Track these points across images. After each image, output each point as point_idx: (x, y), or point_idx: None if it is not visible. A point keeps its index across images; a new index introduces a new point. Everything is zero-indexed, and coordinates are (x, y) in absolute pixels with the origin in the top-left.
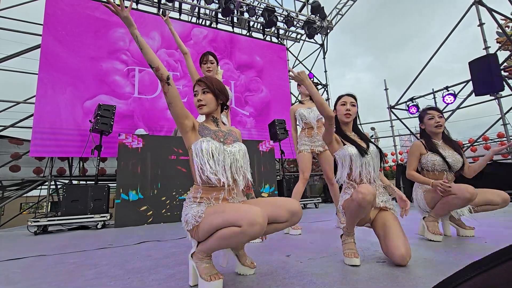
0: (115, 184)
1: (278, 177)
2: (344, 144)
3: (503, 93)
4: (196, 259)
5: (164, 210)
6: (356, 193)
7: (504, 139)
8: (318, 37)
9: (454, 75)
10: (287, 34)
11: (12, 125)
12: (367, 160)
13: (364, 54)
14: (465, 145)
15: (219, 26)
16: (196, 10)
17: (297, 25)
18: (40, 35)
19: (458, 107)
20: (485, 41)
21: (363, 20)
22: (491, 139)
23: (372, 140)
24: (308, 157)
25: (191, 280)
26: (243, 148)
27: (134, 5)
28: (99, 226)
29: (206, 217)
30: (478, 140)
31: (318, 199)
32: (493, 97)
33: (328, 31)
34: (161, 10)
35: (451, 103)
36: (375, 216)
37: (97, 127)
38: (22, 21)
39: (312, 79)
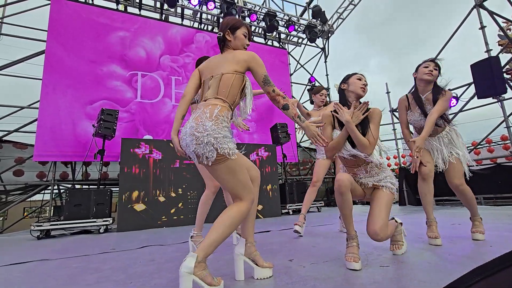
0: (117, 189)
1: (280, 180)
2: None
3: (505, 96)
4: (199, 270)
5: (166, 214)
6: (334, 182)
7: (508, 141)
8: (319, 41)
9: (456, 78)
10: (288, 38)
11: (16, 130)
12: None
13: (377, 55)
14: (468, 148)
15: None
16: (198, 15)
17: (299, 29)
18: (44, 41)
19: (460, 110)
20: (486, 44)
21: (378, 20)
22: (494, 142)
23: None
24: (324, 163)
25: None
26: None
27: (137, 11)
28: (101, 231)
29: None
30: (481, 143)
31: (320, 203)
32: (495, 100)
33: (329, 35)
34: (164, 15)
35: (454, 106)
36: (371, 194)
37: (100, 132)
38: (27, 27)
39: (313, 83)
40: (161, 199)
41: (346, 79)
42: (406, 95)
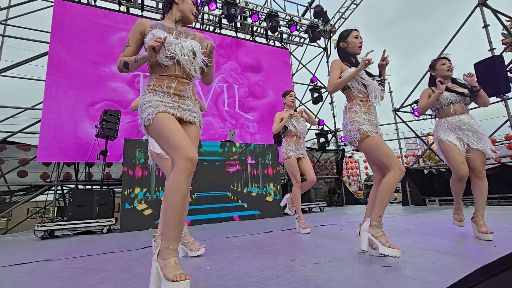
0: (120, 189)
1: (282, 181)
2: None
3: (509, 95)
4: (161, 258)
5: None
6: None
7: None
8: (321, 41)
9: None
10: (290, 38)
11: (20, 131)
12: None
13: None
14: None
15: (223, 31)
16: (200, 16)
17: (300, 29)
18: (47, 42)
19: None
20: (490, 42)
21: (387, 19)
22: (498, 141)
23: None
24: (296, 162)
25: (153, 286)
26: (196, 44)
27: (139, 12)
28: (104, 231)
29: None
30: None
31: (323, 203)
32: (499, 99)
33: (332, 34)
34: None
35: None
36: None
37: (102, 132)
38: (30, 29)
39: (315, 83)
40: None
41: (344, 38)
42: (431, 88)
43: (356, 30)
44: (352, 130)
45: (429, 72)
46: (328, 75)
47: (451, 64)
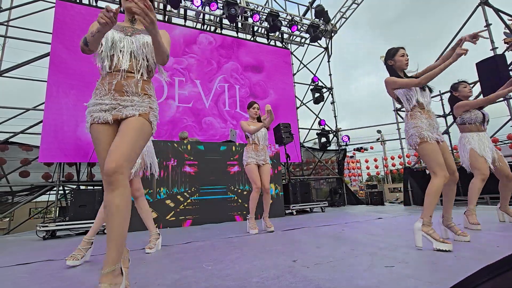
0: None
1: (284, 181)
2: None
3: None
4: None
5: (169, 215)
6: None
7: None
8: (322, 41)
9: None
10: (291, 38)
11: (22, 132)
12: None
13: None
14: None
15: (224, 31)
16: (201, 16)
17: (301, 29)
18: (49, 43)
19: None
20: (492, 41)
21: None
22: (501, 141)
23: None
24: (256, 168)
25: None
26: (147, 38)
27: None
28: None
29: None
30: None
31: (324, 203)
32: (501, 98)
33: (333, 34)
34: (167, 17)
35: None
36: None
37: None
38: (32, 30)
39: (316, 83)
40: (165, 199)
41: (392, 56)
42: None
43: (402, 48)
44: (414, 134)
45: (451, 92)
46: (390, 86)
47: (471, 87)
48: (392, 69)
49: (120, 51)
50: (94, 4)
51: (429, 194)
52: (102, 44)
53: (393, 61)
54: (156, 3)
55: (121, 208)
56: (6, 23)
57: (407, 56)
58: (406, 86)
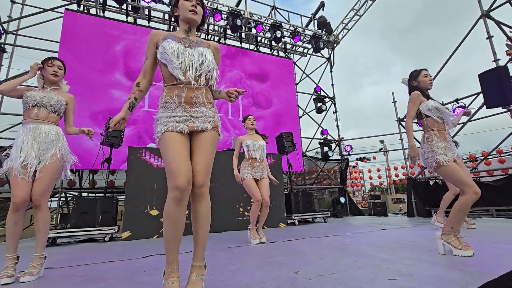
0: (123, 197)
1: (286, 190)
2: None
3: None
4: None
5: None
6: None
7: None
8: (325, 51)
9: (463, 87)
10: (294, 48)
11: None
12: None
13: (401, 62)
14: (478, 158)
15: (228, 41)
16: (205, 26)
17: (304, 39)
18: (56, 51)
19: (469, 120)
20: (494, 53)
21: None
22: (505, 152)
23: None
24: (253, 181)
25: None
26: (206, 51)
27: (145, 23)
28: (106, 239)
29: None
30: (491, 153)
31: (327, 213)
32: (505, 110)
33: (335, 45)
34: (172, 27)
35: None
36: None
37: (107, 140)
38: (39, 38)
39: (319, 93)
40: None
41: (415, 77)
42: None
43: (425, 69)
44: (429, 158)
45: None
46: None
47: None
48: (416, 89)
49: (186, 63)
50: (102, 14)
51: (456, 209)
52: (167, 54)
53: (417, 81)
54: (161, 13)
55: (207, 215)
56: (15, 32)
57: (430, 76)
58: (408, 113)
